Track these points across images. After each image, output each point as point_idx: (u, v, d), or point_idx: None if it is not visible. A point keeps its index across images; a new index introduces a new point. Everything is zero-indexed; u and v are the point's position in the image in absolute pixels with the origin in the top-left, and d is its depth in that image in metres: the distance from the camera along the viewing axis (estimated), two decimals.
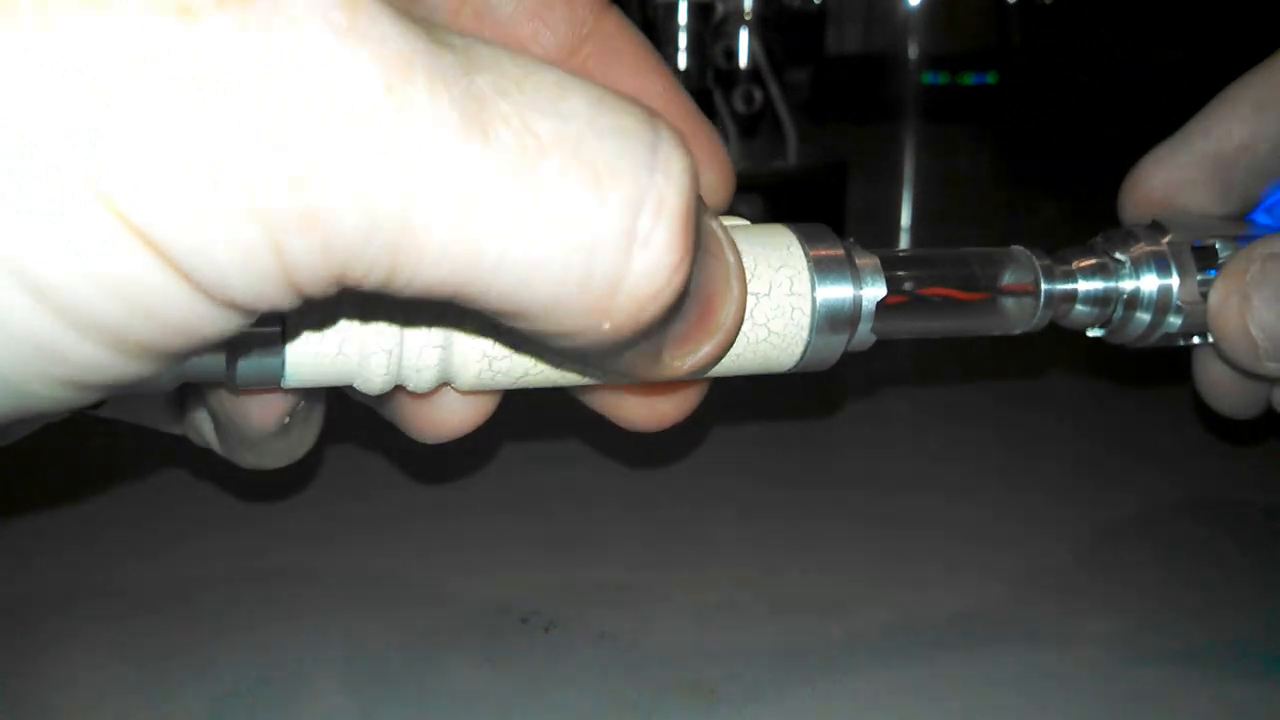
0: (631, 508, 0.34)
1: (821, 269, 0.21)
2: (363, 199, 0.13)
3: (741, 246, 0.21)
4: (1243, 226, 0.27)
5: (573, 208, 0.14)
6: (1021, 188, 0.88)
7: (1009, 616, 0.27)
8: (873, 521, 0.32)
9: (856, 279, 0.22)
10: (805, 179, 0.48)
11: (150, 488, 0.34)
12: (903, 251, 0.23)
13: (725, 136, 0.53)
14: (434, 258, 0.13)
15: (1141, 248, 0.26)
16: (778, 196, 0.46)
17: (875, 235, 0.72)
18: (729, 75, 0.55)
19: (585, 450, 0.38)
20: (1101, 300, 0.25)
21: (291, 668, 0.25)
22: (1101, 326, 0.26)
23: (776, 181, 0.47)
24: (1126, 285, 0.25)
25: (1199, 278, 0.25)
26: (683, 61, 0.48)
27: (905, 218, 0.78)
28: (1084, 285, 0.25)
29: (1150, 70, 0.92)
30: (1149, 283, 0.25)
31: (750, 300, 0.21)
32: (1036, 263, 0.25)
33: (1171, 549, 0.30)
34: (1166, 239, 0.26)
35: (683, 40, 0.48)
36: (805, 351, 0.22)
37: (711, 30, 0.50)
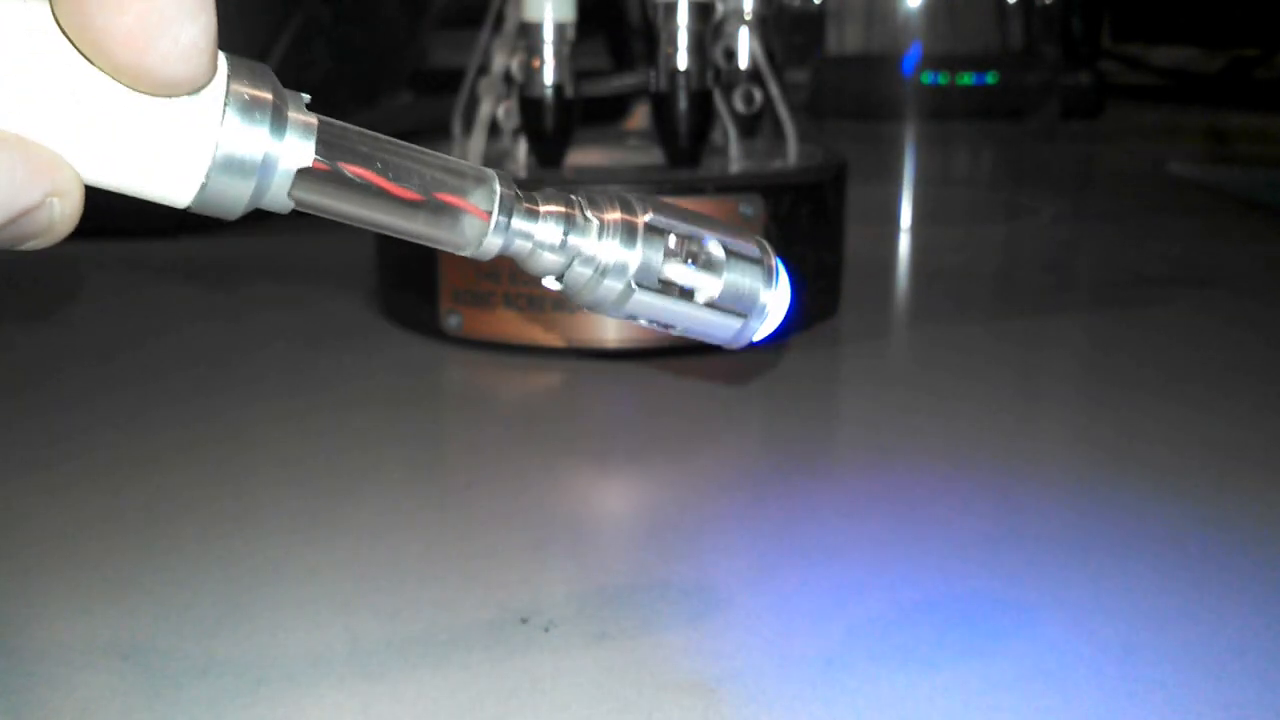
0: (632, 507, 0.34)
1: (240, 110, 0.20)
2: None
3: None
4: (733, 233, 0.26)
5: None
6: (1021, 188, 0.88)
7: (1009, 616, 0.27)
8: (873, 521, 0.32)
9: (279, 132, 0.20)
10: (805, 179, 0.48)
11: (150, 488, 0.34)
12: (360, 130, 0.22)
13: (725, 136, 0.53)
14: None
15: (616, 214, 0.25)
16: (778, 196, 0.46)
17: (875, 235, 0.72)
18: (729, 75, 0.55)
19: (585, 450, 0.38)
20: (557, 250, 0.24)
21: (291, 668, 0.25)
22: (558, 279, 0.25)
23: (776, 181, 0.47)
24: (586, 245, 0.24)
25: (661, 264, 0.25)
26: (683, 61, 0.48)
27: (905, 218, 0.78)
28: (540, 228, 0.24)
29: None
30: (608, 250, 0.25)
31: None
32: (499, 189, 0.23)
33: (1171, 548, 0.30)
34: (648, 216, 0.25)
35: (683, 40, 0.48)
36: (200, 190, 0.20)
37: (711, 30, 0.50)
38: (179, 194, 0.20)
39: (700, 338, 0.27)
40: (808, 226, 0.48)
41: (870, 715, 0.23)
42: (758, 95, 0.55)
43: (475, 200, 0.23)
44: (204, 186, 0.20)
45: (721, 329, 0.26)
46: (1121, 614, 0.27)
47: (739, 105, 0.55)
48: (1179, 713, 0.23)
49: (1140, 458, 0.36)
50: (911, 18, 0.87)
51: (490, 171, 0.24)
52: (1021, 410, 0.42)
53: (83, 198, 0.20)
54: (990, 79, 0.91)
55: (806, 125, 0.60)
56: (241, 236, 0.67)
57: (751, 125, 0.56)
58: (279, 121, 0.20)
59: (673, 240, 0.25)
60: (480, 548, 0.30)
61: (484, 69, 0.52)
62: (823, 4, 0.95)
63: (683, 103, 0.48)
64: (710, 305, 0.26)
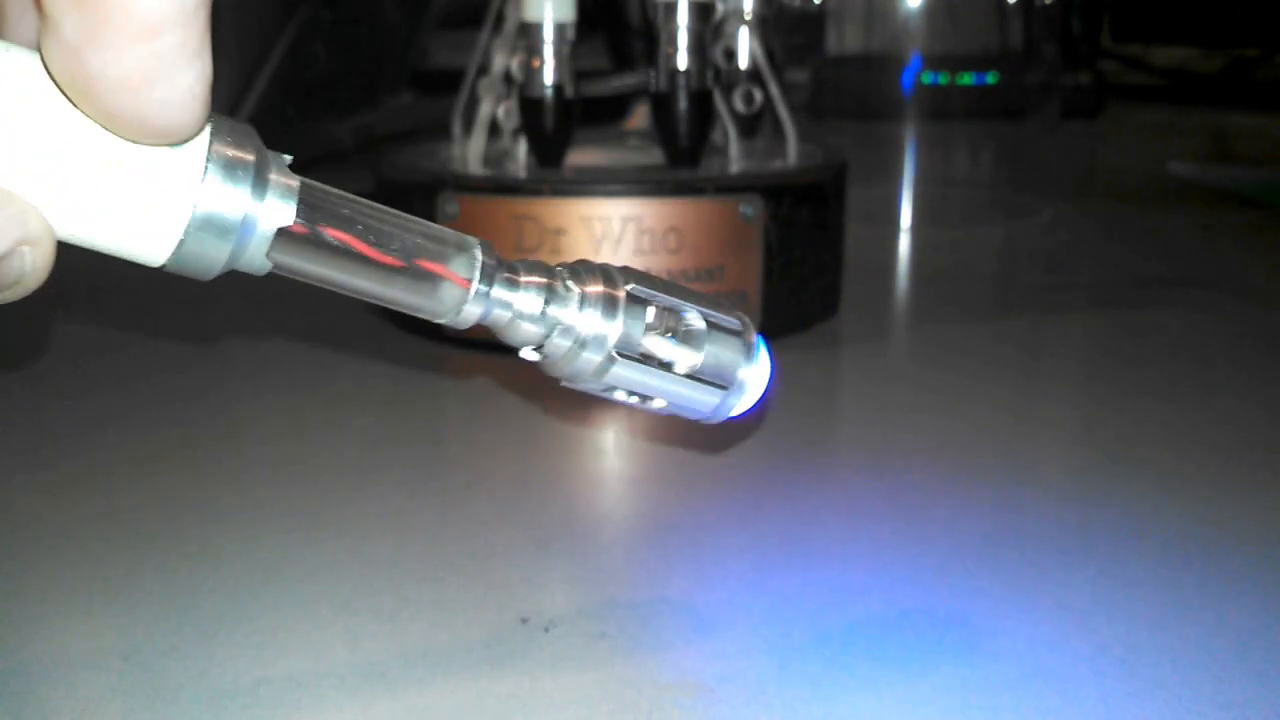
0: (632, 507, 0.34)
1: (222, 169, 0.20)
2: None
3: None
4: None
5: None
6: (1021, 188, 0.88)
7: (1009, 616, 0.27)
8: (873, 521, 0.32)
9: (260, 193, 0.20)
10: (805, 179, 0.48)
11: (150, 488, 0.34)
12: (342, 194, 0.22)
13: (725, 136, 0.53)
14: None
15: (597, 286, 0.24)
16: (778, 196, 0.46)
17: (875, 235, 0.72)
18: (729, 75, 0.55)
19: (585, 450, 0.38)
20: (537, 320, 0.24)
21: (291, 668, 0.25)
22: (536, 350, 0.25)
23: (776, 181, 0.47)
24: (566, 316, 0.24)
25: (641, 336, 0.25)
26: (683, 61, 0.48)
27: (905, 218, 0.78)
28: (519, 298, 0.24)
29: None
30: (589, 321, 0.24)
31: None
32: (480, 257, 0.23)
33: (1171, 548, 0.30)
34: (629, 286, 0.25)
35: (683, 40, 0.48)
36: (178, 248, 0.20)
37: (711, 30, 0.50)
38: (155, 252, 0.20)
39: (678, 412, 0.26)
40: (808, 226, 0.48)
41: (870, 715, 0.23)
42: (758, 95, 0.55)
43: (455, 268, 0.23)
44: (181, 245, 0.20)
45: (700, 403, 0.26)
46: (1121, 614, 0.27)
47: (739, 105, 0.55)
48: (1179, 713, 0.23)
49: (1140, 458, 0.36)
50: (911, 18, 0.87)
51: (472, 240, 0.24)
52: (1021, 410, 0.42)
53: (54, 248, 0.19)
54: (990, 79, 0.91)
55: (806, 125, 0.60)
56: None
57: (751, 125, 0.56)
58: (260, 182, 0.20)
59: (653, 313, 0.25)
60: (480, 548, 0.30)
61: (484, 69, 0.52)
62: (823, 4, 0.95)
63: (683, 103, 0.48)
64: (690, 378, 0.26)
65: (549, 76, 0.49)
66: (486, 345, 0.46)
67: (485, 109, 0.52)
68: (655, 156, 0.52)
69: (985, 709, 0.23)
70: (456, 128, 0.54)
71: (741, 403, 0.27)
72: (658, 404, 0.26)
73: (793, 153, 0.53)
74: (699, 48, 0.48)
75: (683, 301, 0.26)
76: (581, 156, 0.53)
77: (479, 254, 0.23)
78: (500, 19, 0.52)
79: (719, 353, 0.26)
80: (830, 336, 0.50)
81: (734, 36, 0.55)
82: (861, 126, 0.90)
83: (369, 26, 0.88)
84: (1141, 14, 1.56)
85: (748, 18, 0.55)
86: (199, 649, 0.25)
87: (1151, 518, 0.32)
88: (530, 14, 0.48)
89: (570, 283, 0.25)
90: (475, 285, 0.23)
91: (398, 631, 0.26)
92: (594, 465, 0.37)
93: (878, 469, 0.36)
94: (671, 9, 0.48)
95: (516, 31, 0.50)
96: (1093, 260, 0.68)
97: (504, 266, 0.24)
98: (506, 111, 0.52)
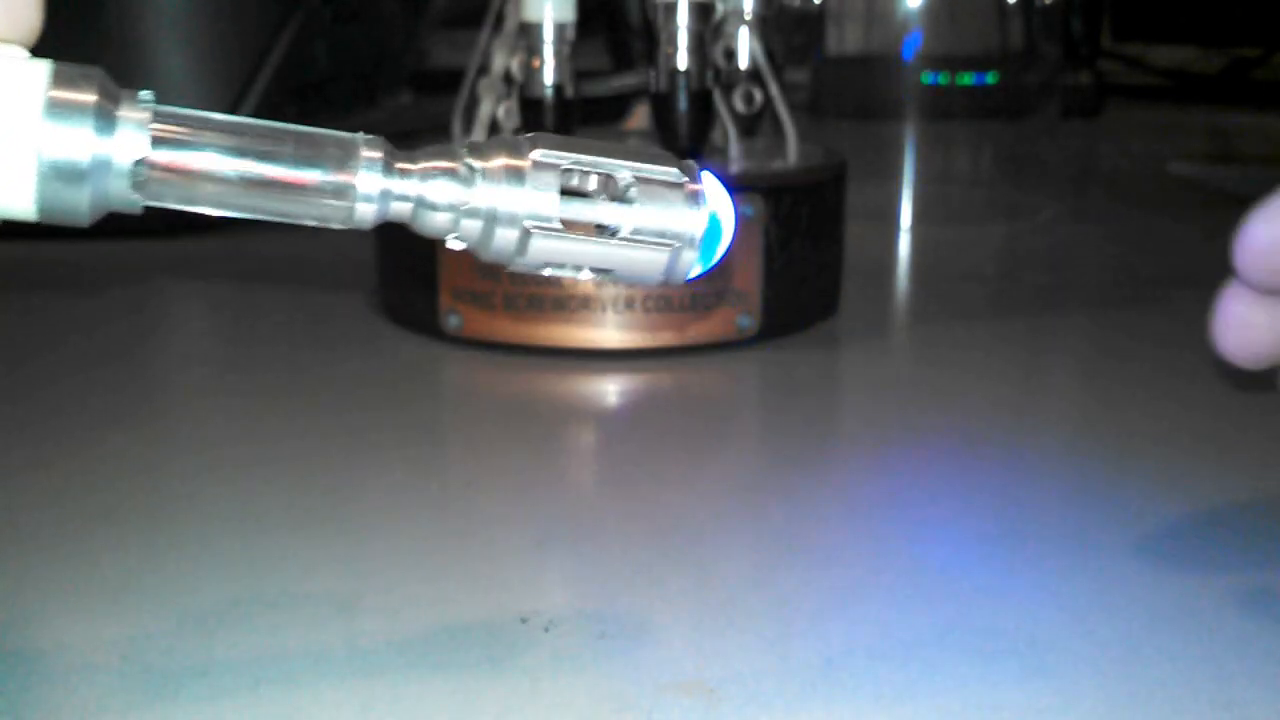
0: (632, 507, 0.34)
1: (60, 113, 0.20)
2: None
3: None
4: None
5: None
6: (1021, 188, 0.88)
7: (1009, 616, 0.27)
8: (873, 521, 0.32)
9: (106, 130, 0.20)
10: (805, 179, 0.48)
11: (150, 487, 0.34)
12: (204, 114, 0.21)
13: (725, 136, 0.53)
14: None
15: (500, 159, 0.23)
16: (778, 196, 0.46)
17: (875, 235, 0.72)
18: (729, 75, 0.55)
19: (585, 450, 0.38)
20: (441, 207, 0.23)
21: (291, 668, 0.25)
22: (458, 238, 0.24)
23: (776, 181, 0.47)
24: (471, 195, 0.23)
25: (558, 203, 0.23)
26: (683, 61, 0.48)
27: (905, 218, 0.78)
28: (415, 186, 0.23)
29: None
30: (494, 196, 0.23)
31: None
32: (364, 153, 0.22)
33: (1171, 548, 0.30)
34: (535, 153, 0.23)
35: (683, 40, 0.48)
36: (39, 199, 0.20)
37: (711, 30, 0.50)
38: (20, 205, 0.20)
39: (629, 279, 0.25)
40: (808, 226, 0.48)
41: (870, 715, 0.23)
42: (758, 95, 0.55)
43: (335, 168, 0.22)
44: (40, 193, 0.20)
45: (648, 264, 0.24)
46: (1121, 614, 0.27)
47: (739, 105, 0.55)
48: (1179, 713, 0.23)
49: (1140, 457, 0.36)
50: (911, 18, 0.87)
51: (355, 137, 0.23)
52: (1021, 410, 0.42)
53: None
54: (990, 79, 0.91)
55: (806, 125, 0.60)
56: (242, 236, 0.67)
57: (751, 125, 0.56)
58: (105, 120, 0.20)
59: (573, 177, 0.24)
60: (480, 548, 0.30)
61: (484, 69, 0.52)
62: (823, 4, 0.95)
63: (683, 103, 0.48)
64: (629, 240, 0.24)
65: (549, 76, 0.49)
66: (487, 345, 0.46)
67: (485, 109, 0.52)
68: None
69: (985, 709, 0.23)
70: (456, 128, 0.54)
71: (697, 258, 0.25)
72: (605, 274, 0.24)
73: (793, 153, 0.53)
74: (699, 48, 0.48)
75: (604, 159, 0.24)
76: None
77: (363, 150, 0.22)
78: (500, 19, 0.52)
79: (654, 208, 0.24)
80: (830, 336, 0.50)
81: (734, 36, 0.55)
82: (861, 126, 0.90)
83: (369, 26, 0.88)
84: (1141, 14, 1.56)
85: (748, 18, 0.55)
86: (199, 649, 0.25)
87: (1152, 517, 0.32)
88: (530, 14, 0.48)
89: (472, 160, 0.23)
90: (361, 181, 0.22)
91: (398, 631, 0.26)
92: (594, 465, 0.37)
93: (878, 469, 0.36)
94: (671, 9, 0.48)
95: (516, 31, 0.50)
96: (1093, 260, 0.68)
97: (396, 157, 0.23)
98: (506, 111, 0.52)
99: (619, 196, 0.24)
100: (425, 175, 0.23)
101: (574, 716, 0.23)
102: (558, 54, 0.49)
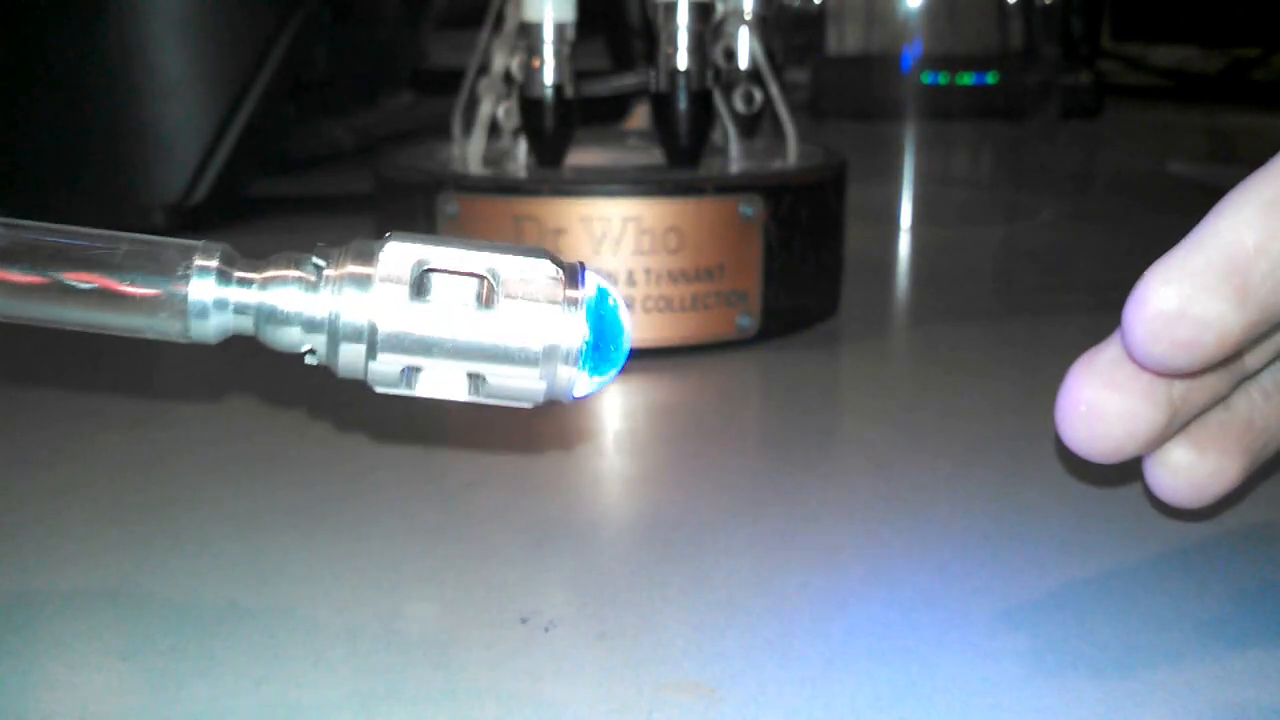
0: (632, 507, 0.34)
1: None
2: None
3: None
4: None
5: None
6: (1021, 188, 0.88)
7: (1009, 616, 0.27)
8: (873, 521, 0.32)
9: None
10: (805, 179, 0.48)
11: (149, 487, 0.34)
12: (36, 225, 0.20)
13: (725, 136, 0.53)
14: None
15: (345, 266, 0.21)
16: (778, 196, 0.46)
17: (875, 235, 0.72)
18: (729, 75, 0.55)
19: (584, 450, 0.38)
20: (284, 320, 0.21)
21: (291, 668, 0.25)
22: (312, 352, 0.22)
23: (776, 181, 0.47)
24: (315, 307, 0.21)
25: (407, 317, 0.21)
26: (683, 61, 0.48)
27: (905, 218, 0.78)
28: (254, 296, 0.21)
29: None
30: (336, 307, 0.21)
31: None
32: (198, 262, 0.21)
33: (1171, 548, 0.30)
34: (382, 256, 0.21)
35: (683, 40, 0.48)
36: None
37: (711, 30, 0.50)
38: None
39: (503, 399, 0.22)
40: (808, 226, 0.48)
41: (870, 715, 0.23)
42: (758, 95, 0.55)
43: (166, 280, 0.21)
44: None
45: (516, 385, 0.22)
46: (1121, 614, 0.27)
47: (739, 105, 0.55)
48: (1179, 713, 0.23)
49: (1139, 457, 0.36)
50: (911, 18, 0.87)
51: (194, 245, 0.21)
52: (1022, 410, 0.42)
53: None
54: (990, 79, 0.91)
55: (806, 125, 0.60)
56: (241, 236, 0.67)
57: (751, 125, 0.56)
58: None
59: (433, 282, 0.21)
60: (480, 548, 0.30)
61: (484, 69, 0.52)
62: (823, 4, 0.95)
63: (683, 103, 0.48)
64: (488, 357, 0.21)
65: (549, 76, 0.49)
66: None
67: (485, 109, 0.52)
68: (655, 156, 0.52)
69: (985, 709, 0.23)
70: (456, 128, 0.54)
71: (578, 374, 0.22)
72: (469, 395, 0.22)
73: (793, 153, 0.53)
74: (699, 48, 0.48)
75: (468, 258, 0.21)
76: (581, 156, 0.53)
77: (197, 259, 0.21)
78: (500, 19, 0.52)
79: (516, 320, 0.21)
80: (830, 336, 0.50)
81: (734, 36, 0.55)
82: (861, 126, 0.90)
83: (369, 26, 0.88)
84: (1141, 14, 1.56)
85: (748, 18, 0.55)
86: (199, 649, 0.25)
87: (1151, 517, 0.32)
88: (530, 14, 0.48)
89: (318, 264, 0.21)
90: (195, 296, 0.21)
91: (398, 631, 0.26)
92: (594, 465, 0.37)
93: (878, 469, 0.36)
94: (671, 9, 0.48)
95: (516, 31, 0.50)
96: (1093, 260, 0.68)
97: (239, 266, 0.21)
98: (506, 111, 0.52)
99: (474, 306, 0.21)
100: (266, 284, 0.21)
101: (574, 716, 0.23)
102: (558, 54, 0.49)
